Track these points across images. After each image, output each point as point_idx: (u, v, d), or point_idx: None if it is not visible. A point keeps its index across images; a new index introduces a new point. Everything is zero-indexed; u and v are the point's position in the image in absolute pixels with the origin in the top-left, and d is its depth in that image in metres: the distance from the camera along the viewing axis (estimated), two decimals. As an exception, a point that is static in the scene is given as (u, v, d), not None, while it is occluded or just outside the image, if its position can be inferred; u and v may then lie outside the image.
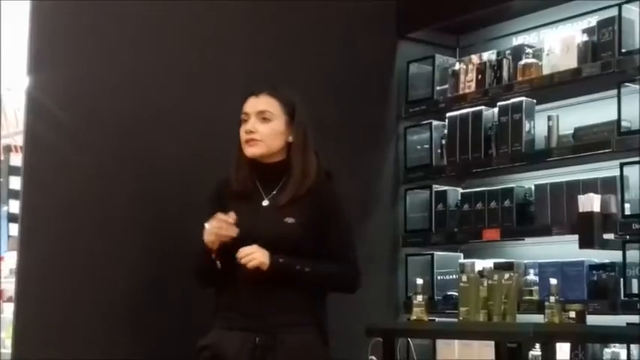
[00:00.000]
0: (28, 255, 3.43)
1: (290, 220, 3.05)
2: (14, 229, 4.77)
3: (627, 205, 3.72)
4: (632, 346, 3.64)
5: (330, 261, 3.09)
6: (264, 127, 3.12)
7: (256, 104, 3.16)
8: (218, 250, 3.04)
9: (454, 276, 4.31)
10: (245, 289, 3.03)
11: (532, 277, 3.96)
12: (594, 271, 3.79)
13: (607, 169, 3.88)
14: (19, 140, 4.57)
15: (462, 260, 4.41)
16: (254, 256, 2.97)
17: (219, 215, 3.03)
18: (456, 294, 3.70)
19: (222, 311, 3.10)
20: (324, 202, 3.12)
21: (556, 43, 4.07)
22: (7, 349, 3.49)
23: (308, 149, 3.15)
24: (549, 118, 4.09)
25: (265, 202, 3.12)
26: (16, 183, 4.85)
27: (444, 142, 4.49)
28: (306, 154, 3.14)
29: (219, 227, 3.01)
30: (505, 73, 4.26)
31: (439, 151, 4.52)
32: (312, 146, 3.17)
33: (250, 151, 3.12)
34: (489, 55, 4.36)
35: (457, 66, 4.49)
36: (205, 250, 3.05)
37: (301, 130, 3.16)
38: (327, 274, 3.09)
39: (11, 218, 5.13)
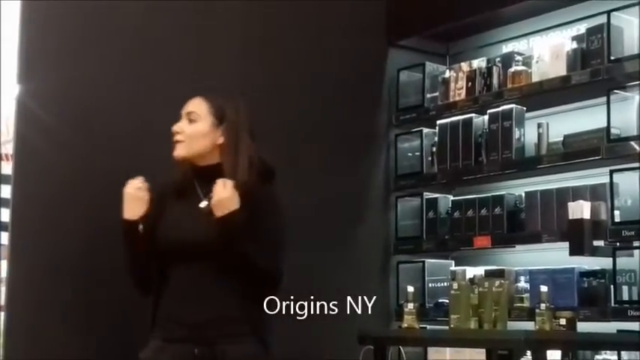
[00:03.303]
0: (17, 263, 3.42)
1: None
2: (4, 237, 4.75)
3: (617, 212, 3.73)
4: (623, 353, 3.65)
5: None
6: (189, 127, 3.10)
7: (188, 105, 3.15)
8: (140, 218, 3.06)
9: (445, 283, 4.31)
10: (183, 298, 2.98)
11: (523, 284, 3.97)
12: (585, 278, 3.80)
13: (597, 176, 3.89)
14: (9, 149, 4.55)
15: (453, 267, 4.42)
16: (225, 202, 2.93)
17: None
18: (447, 301, 3.70)
19: (161, 321, 3.03)
20: (255, 201, 3.02)
21: (545, 51, 4.08)
22: (-2, 358, 3.48)
23: (238, 151, 3.07)
24: (539, 125, 4.10)
25: (203, 204, 3.03)
26: (6, 191, 4.84)
27: (434, 149, 4.51)
28: (235, 156, 3.06)
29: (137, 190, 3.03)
30: (495, 81, 4.27)
31: (430, 158, 4.54)
32: (244, 148, 3.08)
33: (176, 152, 3.10)
34: (479, 63, 4.38)
35: (447, 73, 4.50)
36: (129, 233, 3.06)
37: (232, 132, 3.09)
38: (258, 264, 2.99)
39: (1, 227, 5.12)
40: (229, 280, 2.96)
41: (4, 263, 3.59)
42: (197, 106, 3.13)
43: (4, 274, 3.65)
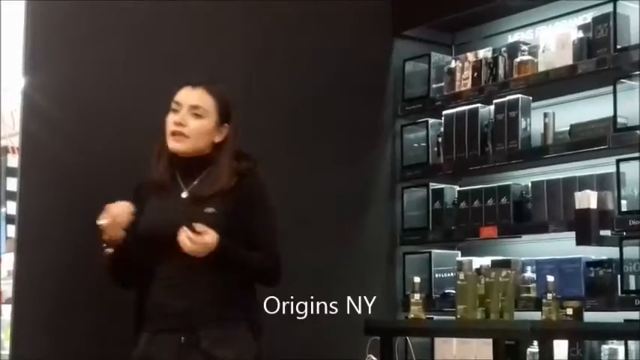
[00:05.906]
0: (25, 256, 3.43)
1: (210, 209, 2.93)
2: (12, 230, 4.77)
3: (624, 202, 3.72)
4: (630, 343, 3.65)
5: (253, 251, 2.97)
6: (195, 122, 2.99)
7: (191, 96, 3.02)
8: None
9: (452, 274, 4.31)
10: (167, 287, 2.94)
11: (529, 274, 3.97)
12: (591, 268, 3.80)
13: (603, 166, 3.88)
14: (15, 141, 4.56)
15: (459, 258, 4.42)
16: (205, 240, 2.83)
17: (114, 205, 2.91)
18: (454, 292, 3.70)
19: (149, 313, 2.99)
20: (246, 192, 2.98)
21: (551, 40, 4.07)
22: (6, 351, 3.49)
23: (231, 152, 3.02)
24: (545, 115, 4.09)
25: (185, 194, 3.01)
26: (12, 184, 4.85)
27: (440, 140, 4.50)
28: (229, 158, 3.01)
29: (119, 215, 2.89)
30: (501, 71, 4.26)
31: (436, 149, 4.53)
32: (237, 146, 3.05)
33: (175, 145, 2.99)
34: (485, 53, 4.37)
35: (453, 64, 4.49)
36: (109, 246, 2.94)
37: (234, 134, 3.04)
38: (255, 263, 2.96)
39: (9, 220, 5.13)
40: (211, 266, 2.88)
41: (11, 256, 3.60)
42: (204, 100, 3.01)
43: (11, 267, 3.66)
